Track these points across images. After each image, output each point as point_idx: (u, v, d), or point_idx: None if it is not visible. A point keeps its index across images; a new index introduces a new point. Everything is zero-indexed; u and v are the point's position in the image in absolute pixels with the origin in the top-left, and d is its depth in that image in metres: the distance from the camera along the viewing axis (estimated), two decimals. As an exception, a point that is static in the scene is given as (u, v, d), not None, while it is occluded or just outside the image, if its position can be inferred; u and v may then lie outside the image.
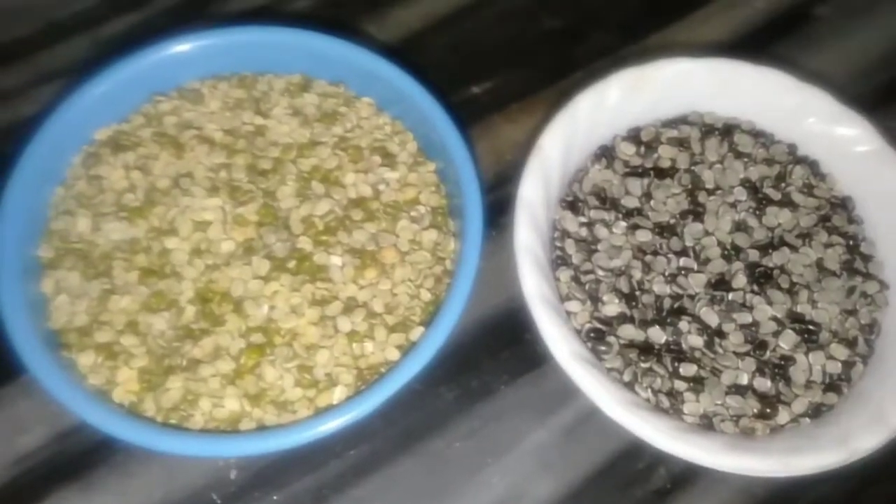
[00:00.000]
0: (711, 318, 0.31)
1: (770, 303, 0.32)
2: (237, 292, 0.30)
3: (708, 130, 0.35)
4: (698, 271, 0.32)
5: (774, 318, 0.32)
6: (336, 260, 0.31)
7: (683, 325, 0.31)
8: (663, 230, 0.33)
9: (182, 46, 0.34)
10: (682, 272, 0.32)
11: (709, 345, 0.31)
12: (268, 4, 0.43)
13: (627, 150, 0.35)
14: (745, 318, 0.31)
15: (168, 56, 0.33)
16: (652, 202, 0.34)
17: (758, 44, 0.43)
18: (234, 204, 0.31)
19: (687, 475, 0.33)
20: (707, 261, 0.32)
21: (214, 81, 0.35)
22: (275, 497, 0.32)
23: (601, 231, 0.33)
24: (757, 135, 0.36)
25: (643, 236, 0.33)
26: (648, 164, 0.35)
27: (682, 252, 0.33)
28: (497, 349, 0.35)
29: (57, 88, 0.34)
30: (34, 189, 0.31)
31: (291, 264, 0.31)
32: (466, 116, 0.36)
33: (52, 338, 0.30)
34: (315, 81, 0.35)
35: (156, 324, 0.30)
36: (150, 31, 0.35)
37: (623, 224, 0.33)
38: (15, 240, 0.30)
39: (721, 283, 0.32)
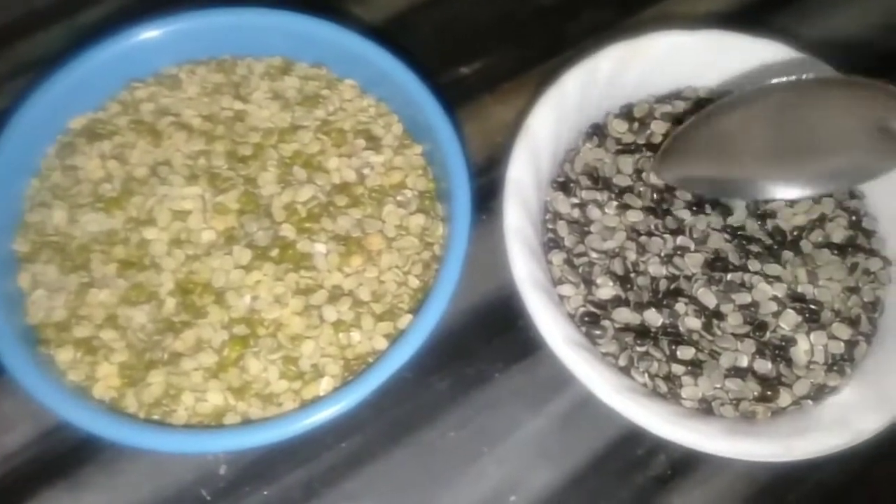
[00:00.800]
0: (709, 298, 0.30)
1: (770, 282, 0.31)
2: (218, 283, 0.29)
3: (703, 105, 0.34)
4: (695, 251, 0.31)
5: (775, 298, 0.31)
6: (320, 247, 0.30)
7: (680, 306, 0.30)
8: (657, 209, 0.32)
9: (157, 31, 0.33)
10: (678, 252, 0.31)
11: (707, 327, 0.30)
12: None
13: (619, 128, 0.34)
14: (745, 298, 0.31)
15: (143, 41, 0.33)
16: (644, 179, 0.33)
17: (757, 15, 0.42)
18: (214, 192, 0.31)
19: (688, 461, 0.32)
20: (704, 239, 0.31)
21: (192, 66, 0.34)
22: (265, 492, 0.31)
23: (594, 212, 0.32)
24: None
25: (635, 216, 0.32)
26: (641, 141, 0.33)
27: (678, 231, 0.32)
28: (490, 336, 0.34)
29: (35, 78, 0.33)
30: (8, 181, 0.30)
31: (274, 253, 0.30)
32: (455, 97, 0.36)
33: (29, 333, 0.29)
34: (296, 64, 0.34)
35: (135, 317, 0.29)
36: (129, 17, 0.34)
37: (615, 204, 0.32)
38: (-11, 234, 0.29)
39: (718, 262, 0.31)
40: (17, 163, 0.31)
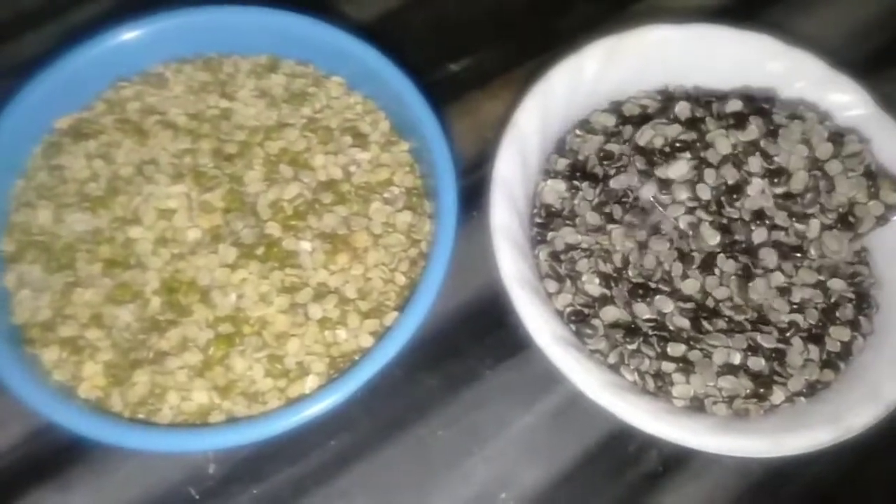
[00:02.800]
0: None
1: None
2: (204, 281, 0.29)
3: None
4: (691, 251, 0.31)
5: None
6: (306, 245, 0.30)
7: (666, 304, 0.30)
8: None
9: (143, 29, 0.32)
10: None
11: (696, 326, 0.30)
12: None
13: (607, 122, 0.33)
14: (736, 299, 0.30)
15: (128, 40, 0.32)
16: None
17: (748, 9, 0.42)
18: (200, 190, 0.30)
19: (680, 457, 0.32)
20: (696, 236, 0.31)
21: (179, 65, 0.33)
22: (255, 490, 0.31)
23: (580, 206, 0.32)
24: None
25: (620, 210, 0.31)
26: (627, 136, 0.33)
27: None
28: (480, 334, 0.34)
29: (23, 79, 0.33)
30: (-7, 181, 0.30)
31: (260, 251, 0.30)
32: (445, 94, 0.35)
33: (15, 333, 0.29)
34: (283, 61, 0.34)
35: (121, 316, 0.29)
36: (119, 16, 0.34)
37: (600, 199, 0.32)
38: (-26, 234, 0.29)
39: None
40: (2, 163, 0.31)
